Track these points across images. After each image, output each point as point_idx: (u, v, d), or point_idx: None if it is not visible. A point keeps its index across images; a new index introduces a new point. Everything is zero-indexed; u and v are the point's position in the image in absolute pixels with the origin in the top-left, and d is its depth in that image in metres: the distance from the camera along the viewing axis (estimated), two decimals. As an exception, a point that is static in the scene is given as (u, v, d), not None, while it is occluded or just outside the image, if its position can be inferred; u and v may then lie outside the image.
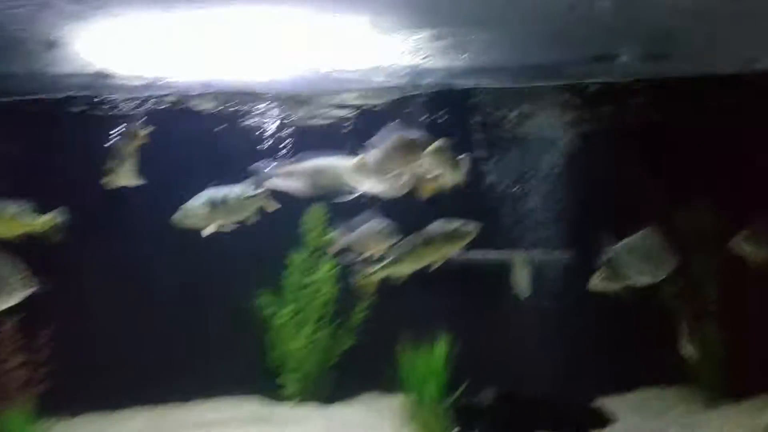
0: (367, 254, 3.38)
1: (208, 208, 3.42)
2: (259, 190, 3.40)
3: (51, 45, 2.88)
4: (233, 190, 3.42)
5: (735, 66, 3.67)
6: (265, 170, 3.41)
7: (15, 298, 3.22)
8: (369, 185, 3.13)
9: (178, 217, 3.44)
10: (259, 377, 4.26)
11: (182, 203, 3.47)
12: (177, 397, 4.22)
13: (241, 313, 4.20)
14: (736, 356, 3.99)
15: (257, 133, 4.18)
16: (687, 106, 4.02)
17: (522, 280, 4.00)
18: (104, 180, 3.52)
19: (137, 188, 3.91)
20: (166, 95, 3.92)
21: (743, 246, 3.57)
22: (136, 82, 3.63)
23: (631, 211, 4.04)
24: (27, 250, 3.55)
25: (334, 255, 3.77)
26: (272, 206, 3.43)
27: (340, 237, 3.52)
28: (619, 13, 3.12)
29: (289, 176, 3.39)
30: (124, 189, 3.69)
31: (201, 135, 4.15)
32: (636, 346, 4.06)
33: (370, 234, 3.39)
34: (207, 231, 3.43)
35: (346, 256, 3.79)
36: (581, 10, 3.04)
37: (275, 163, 3.45)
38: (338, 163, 3.23)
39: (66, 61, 3.11)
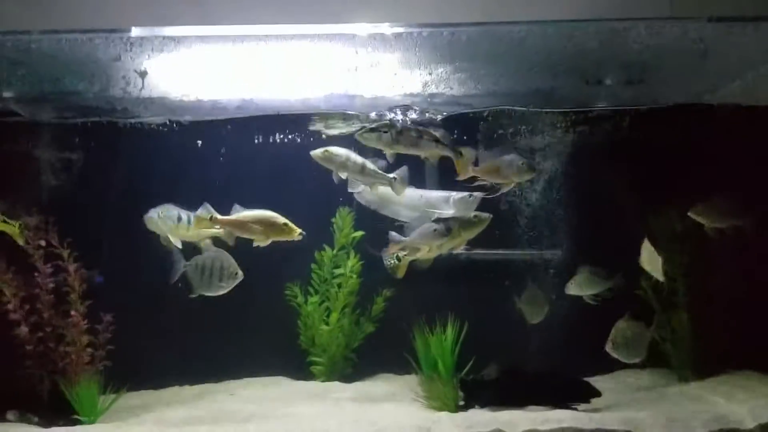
0: (421, 255, 3.99)
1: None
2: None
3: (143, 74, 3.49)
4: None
5: (695, 95, 4.32)
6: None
7: (226, 288, 3.92)
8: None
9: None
10: (288, 360, 4.81)
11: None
12: (216, 377, 4.74)
13: (274, 303, 4.76)
14: (703, 341, 4.59)
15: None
16: (657, 128, 4.62)
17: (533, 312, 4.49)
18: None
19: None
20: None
21: (700, 216, 4.13)
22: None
23: (613, 217, 4.69)
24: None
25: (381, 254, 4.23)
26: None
27: (395, 239, 4.06)
28: (604, 48, 3.79)
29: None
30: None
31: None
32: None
33: (425, 236, 3.98)
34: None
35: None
36: (577, 43, 3.68)
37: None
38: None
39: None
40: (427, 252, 4.04)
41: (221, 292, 3.99)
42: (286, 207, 4.44)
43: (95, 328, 4.10)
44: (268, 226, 3.89)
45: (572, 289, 4.35)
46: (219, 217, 3.90)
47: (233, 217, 3.90)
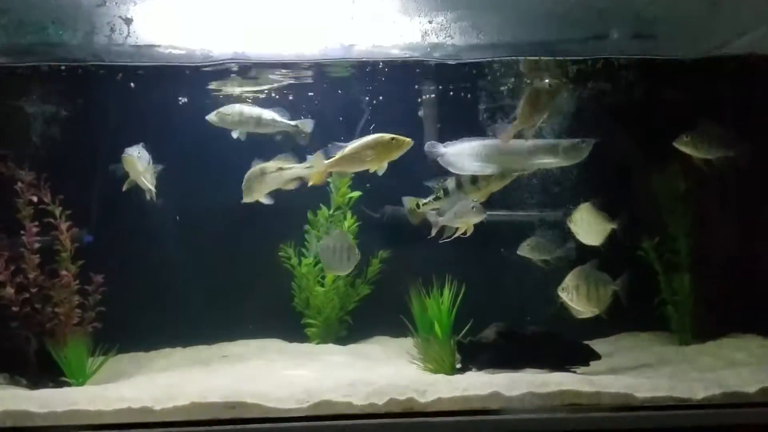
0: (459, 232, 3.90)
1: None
2: None
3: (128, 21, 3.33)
4: None
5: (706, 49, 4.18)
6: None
7: (348, 269, 4.05)
8: None
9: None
10: (282, 321, 4.73)
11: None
12: (208, 338, 4.65)
13: (268, 264, 4.66)
14: (704, 304, 4.53)
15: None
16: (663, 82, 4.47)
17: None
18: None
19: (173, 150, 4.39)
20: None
21: (687, 147, 3.98)
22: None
23: (615, 175, 4.58)
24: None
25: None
26: None
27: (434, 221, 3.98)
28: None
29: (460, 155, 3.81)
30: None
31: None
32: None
33: (462, 212, 3.88)
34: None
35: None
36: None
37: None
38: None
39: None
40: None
41: (347, 272, 4.13)
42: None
43: (85, 289, 4.01)
44: (378, 147, 3.64)
45: (524, 250, 4.21)
46: (330, 160, 3.72)
47: (344, 151, 3.68)
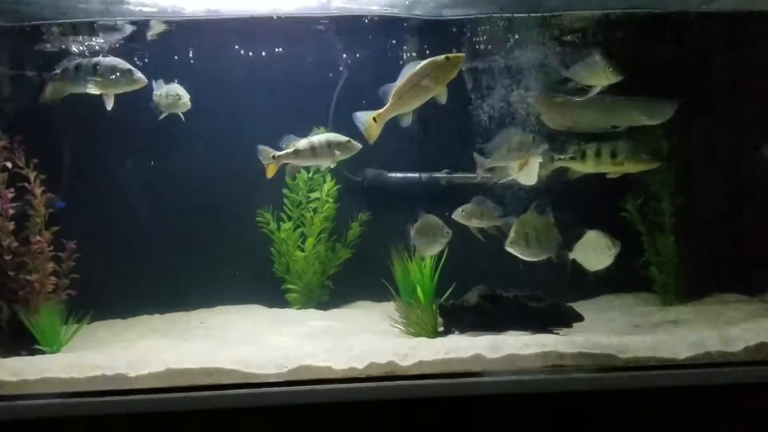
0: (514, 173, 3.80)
1: None
2: None
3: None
4: None
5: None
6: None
7: (439, 248, 3.99)
8: None
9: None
10: (262, 287, 4.65)
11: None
12: (187, 305, 4.57)
13: (247, 229, 4.57)
14: (688, 265, 4.52)
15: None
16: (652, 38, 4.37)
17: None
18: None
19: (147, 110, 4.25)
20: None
21: None
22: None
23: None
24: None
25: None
26: None
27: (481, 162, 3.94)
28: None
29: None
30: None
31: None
32: None
33: (513, 147, 3.79)
34: None
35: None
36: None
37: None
38: None
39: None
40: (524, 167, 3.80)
41: (439, 250, 4.01)
42: (255, 129, 4.26)
43: (59, 256, 3.91)
44: (434, 72, 3.34)
45: (459, 216, 4.11)
46: (385, 108, 3.45)
47: (398, 90, 3.37)
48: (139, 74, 3.86)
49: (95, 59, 3.86)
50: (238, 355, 3.30)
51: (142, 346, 3.78)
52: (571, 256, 3.96)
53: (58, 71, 3.88)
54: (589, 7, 4.09)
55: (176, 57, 4.53)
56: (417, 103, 3.45)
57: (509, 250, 3.84)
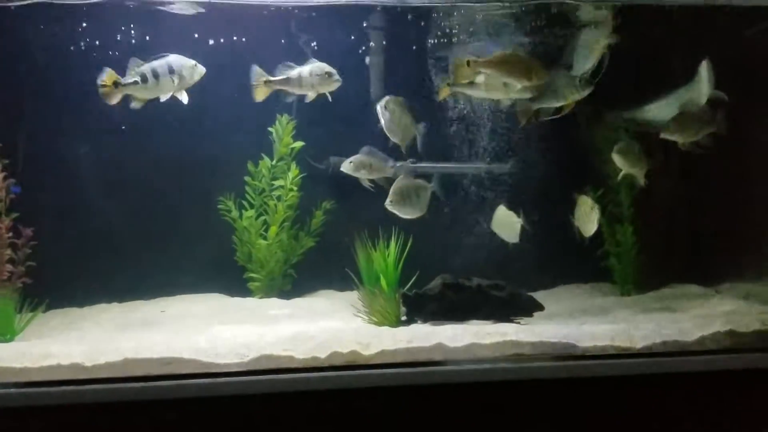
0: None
1: None
2: None
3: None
4: None
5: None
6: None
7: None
8: None
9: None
10: (224, 276, 4.59)
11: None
12: (147, 293, 4.48)
13: (208, 215, 4.50)
14: (646, 255, 4.60)
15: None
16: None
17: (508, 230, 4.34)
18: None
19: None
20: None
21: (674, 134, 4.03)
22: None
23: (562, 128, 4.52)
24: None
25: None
26: None
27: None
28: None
29: None
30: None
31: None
32: (556, 250, 4.57)
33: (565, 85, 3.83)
34: None
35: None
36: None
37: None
38: None
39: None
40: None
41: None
42: (216, 113, 4.20)
43: (15, 243, 3.79)
44: None
45: (348, 168, 4.07)
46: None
47: None
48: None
49: (166, 61, 3.78)
50: (198, 345, 3.27)
51: (98, 335, 3.71)
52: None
53: (138, 79, 3.73)
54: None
55: (133, 41, 4.41)
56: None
57: (388, 208, 4.00)
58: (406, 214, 4.03)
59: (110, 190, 4.48)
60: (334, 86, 3.87)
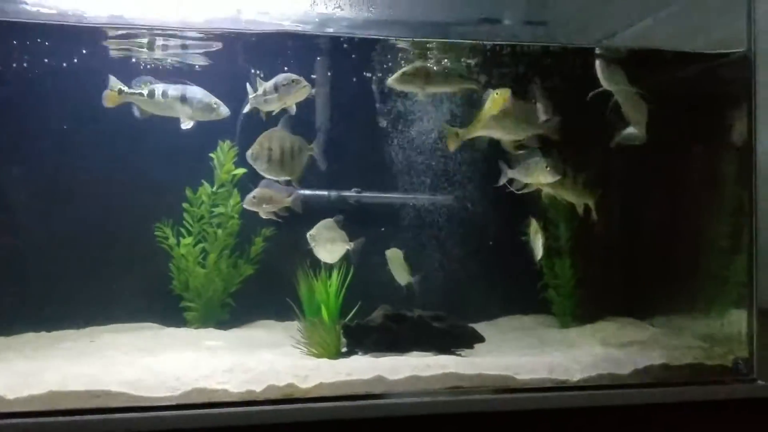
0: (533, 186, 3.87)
1: None
2: None
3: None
4: None
5: (597, 38, 4.25)
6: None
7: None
8: None
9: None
10: (159, 305, 4.44)
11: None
12: (77, 322, 4.29)
13: (144, 242, 4.37)
14: (584, 288, 4.67)
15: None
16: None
17: (399, 271, 4.33)
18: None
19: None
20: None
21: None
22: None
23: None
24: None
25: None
26: None
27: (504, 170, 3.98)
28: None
29: None
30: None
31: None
32: (498, 281, 4.69)
33: (534, 170, 3.86)
34: None
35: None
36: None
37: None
38: None
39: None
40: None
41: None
42: (158, 138, 4.11)
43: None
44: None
45: (249, 204, 4.05)
46: None
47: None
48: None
49: (183, 88, 3.85)
50: (128, 377, 3.14)
51: (23, 365, 3.52)
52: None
53: (144, 91, 3.82)
54: (496, 38, 4.17)
55: (67, 63, 4.30)
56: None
57: (250, 162, 3.89)
58: (271, 173, 3.88)
59: (40, 214, 4.30)
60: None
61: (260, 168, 3.84)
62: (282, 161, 3.78)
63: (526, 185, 4.07)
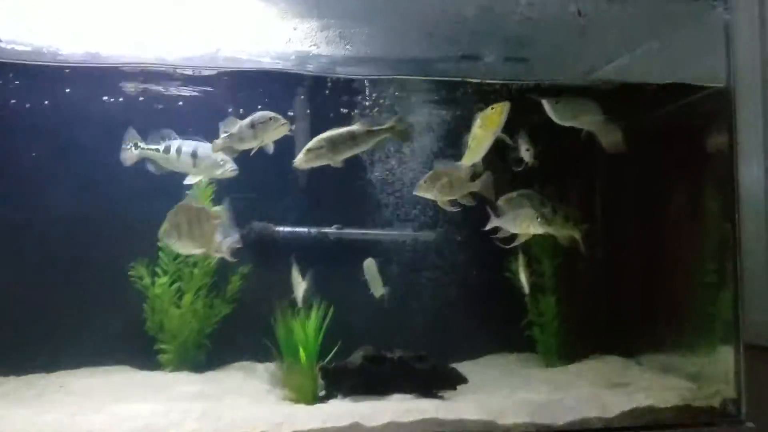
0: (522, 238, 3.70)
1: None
2: None
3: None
4: None
5: (577, 75, 4.25)
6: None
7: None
8: None
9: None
10: (133, 347, 4.31)
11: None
12: (47, 366, 4.15)
13: (117, 283, 4.24)
14: (569, 326, 4.58)
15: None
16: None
17: (374, 282, 4.23)
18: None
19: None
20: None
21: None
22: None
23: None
24: None
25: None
26: None
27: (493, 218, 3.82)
28: (482, 18, 3.59)
29: None
30: None
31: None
32: (482, 319, 4.58)
33: (523, 220, 3.69)
34: None
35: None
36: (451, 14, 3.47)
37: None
38: None
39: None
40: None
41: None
42: (132, 176, 4.02)
43: None
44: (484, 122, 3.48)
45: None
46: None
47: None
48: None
49: (195, 144, 3.82)
50: (95, 426, 3.01)
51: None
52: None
53: (159, 147, 3.82)
54: (476, 76, 4.15)
55: (42, 101, 4.24)
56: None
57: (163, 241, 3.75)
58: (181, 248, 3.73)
59: (11, 254, 4.19)
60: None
61: (173, 245, 3.70)
62: (192, 235, 3.62)
63: (514, 236, 3.93)
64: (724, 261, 3.78)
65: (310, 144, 3.61)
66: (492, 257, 4.38)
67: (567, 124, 3.86)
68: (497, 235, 3.95)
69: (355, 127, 3.64)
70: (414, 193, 3.85)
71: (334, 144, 3.60)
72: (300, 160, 3.60)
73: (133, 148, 3.83)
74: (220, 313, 4.38)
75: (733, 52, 3.67)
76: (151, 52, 4.00)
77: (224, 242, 3.64)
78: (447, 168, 3.79)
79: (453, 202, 3.85)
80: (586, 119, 3.90)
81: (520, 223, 3.84)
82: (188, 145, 3.79)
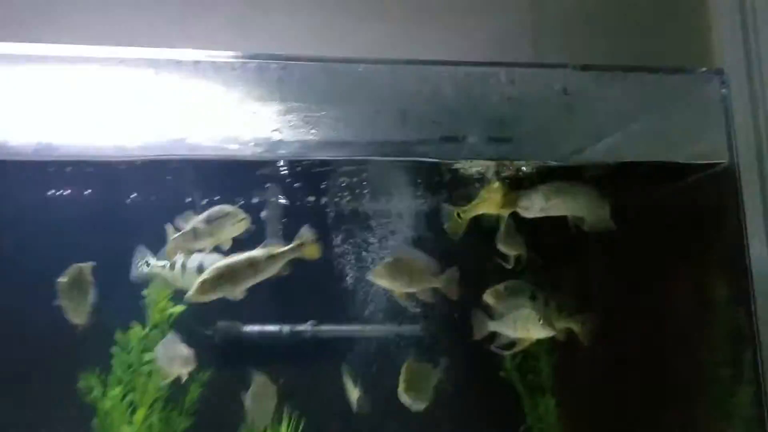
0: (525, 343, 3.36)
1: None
2: None
3: None
4: None
5: (564, 155, 4.03)
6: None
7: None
8: None
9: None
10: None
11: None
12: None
13: (66, 396, 3.83)
14: (572, 428, 4.23)
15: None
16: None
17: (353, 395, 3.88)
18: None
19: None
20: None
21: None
22: None
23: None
24: None
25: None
26: None
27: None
28: (460, 98, 3.37)
29: None
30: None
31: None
32: (478, 418, 4.25)
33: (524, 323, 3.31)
34: None
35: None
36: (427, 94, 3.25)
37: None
38: None
39: None
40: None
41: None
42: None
43: None
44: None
45: None
46: None
47: None
48: None
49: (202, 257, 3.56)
50: None
51: None
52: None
53: (167, 263, 3.63)
54: (458, 156, 3.92)
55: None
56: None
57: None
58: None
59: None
60: None
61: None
62: None
63: (513, 343, 3.58)
64: (740, 353, 3.48)
65: (205, 275, 3.27)
66: (483, 354, 4.01)
67: (535, 215, 3.58)
68: (496, 345, 3.60)
69: (256, 253, 3.30)
70: (368, 277, 3.50)
71: (233, 272, 3.25)
72: (193, 295, 3.24)
73: (144, 266, 3.69)
74: (179, 428, 3.93)
75: (734, 129, 3.47)
76: (109, 141, 3.75)
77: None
78: (409, 256, 3.45)
79: (410, 296, 3.48)
80: (559, 204, 3.61)
81: (521, 326, 3.48)
82: (193, 260, 3.55)
